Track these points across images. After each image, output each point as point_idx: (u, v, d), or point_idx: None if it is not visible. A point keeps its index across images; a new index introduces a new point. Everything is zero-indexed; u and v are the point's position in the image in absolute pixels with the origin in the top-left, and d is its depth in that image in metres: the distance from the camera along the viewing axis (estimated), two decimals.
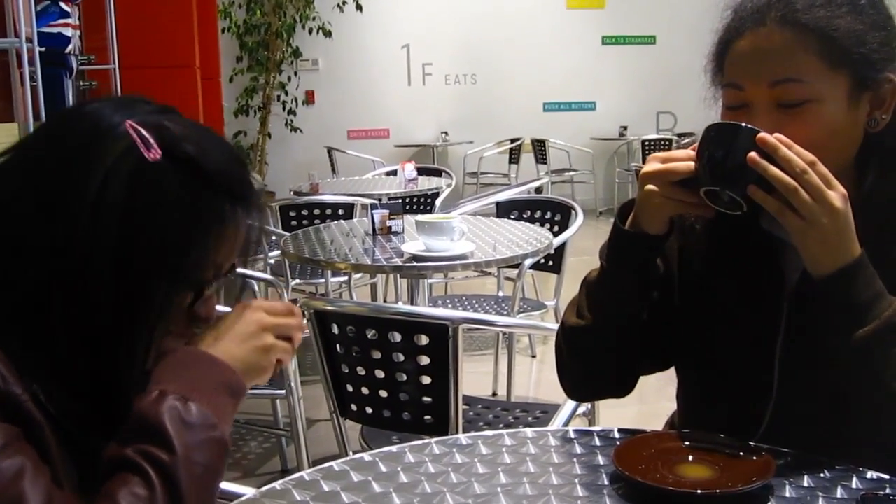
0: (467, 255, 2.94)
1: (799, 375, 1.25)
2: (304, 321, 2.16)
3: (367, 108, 10.64)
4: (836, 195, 1.09)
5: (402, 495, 1.11)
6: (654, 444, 1.18)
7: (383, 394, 2.15)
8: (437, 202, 5.28)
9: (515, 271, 3.77)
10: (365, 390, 2.17)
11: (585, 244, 4.14)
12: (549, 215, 4.21)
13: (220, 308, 1.10)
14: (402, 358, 2.10)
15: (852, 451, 1.17)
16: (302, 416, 2.93)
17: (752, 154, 1.09)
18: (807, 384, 1.25)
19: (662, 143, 9.65)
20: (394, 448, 1.25)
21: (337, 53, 10.41)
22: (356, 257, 3.06)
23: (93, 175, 0.92)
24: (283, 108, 10.28)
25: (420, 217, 3.13)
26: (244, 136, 10.08)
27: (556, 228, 4.05)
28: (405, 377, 2.11)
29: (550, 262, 3.95)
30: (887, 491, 1.08)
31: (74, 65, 4.45)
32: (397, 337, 2.08)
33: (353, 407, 2.22)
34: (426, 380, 2.09)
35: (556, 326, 1.44)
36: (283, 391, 2.86)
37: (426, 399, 2.10)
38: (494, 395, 4.10)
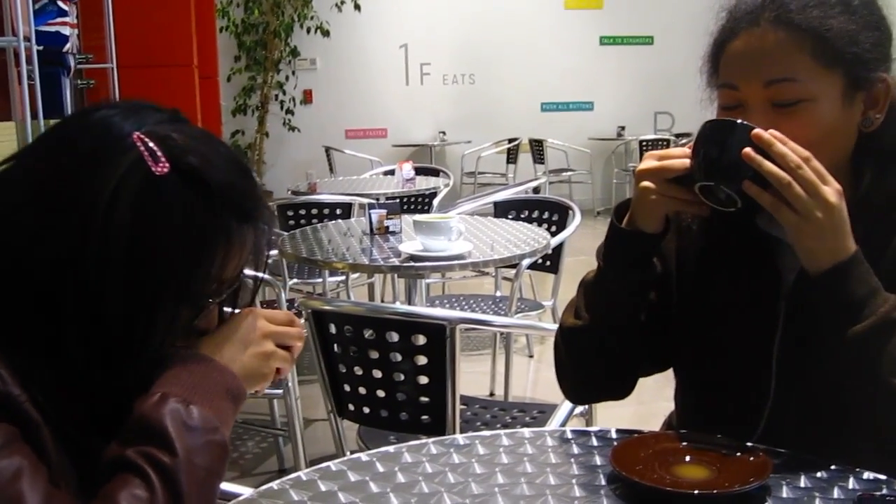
0: (465, 255, 2.94)
1: (796, 375, 1.25)
2: (302, 321, 2.17)
3: (364, 107, 10.65)
4: (831, 190, 1.10)
5: (400, 495, 1.11)
6: (651, 445, 1.18)
7: (381, 393, 2.14)
8: (435, 202, 5.28)
9: (513, 271, 3.77)
10: (362, 390, 2.17)
11: (583, 244, 4.13)
12: (546, 215, 4.21)
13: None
14: (399, 358, 2.09)
15: (849, 451, 1.17)
16: (299, 416, 2.93)
17: (748, 150, 1.10)
18: (804, 384, 1.25)
19: (660, 143, 9.67)
20: (391, 448, 1.25)
21: (335, 53, 10.42)
22: (354, 257, 3.06)
23: (102, 189, 0.92)
24: (281, 108, 10.29)
25: (418, 217, 3.13)
26: (242, 136, 10.09)
27: (553, 228, 4.05)
28: (402, 377, 2.11)
29: (548, 263, 3.96)
30: (884, 491, 1.08)
31: (72, 63, 4.44)
32: (395, 337, 2.08)
33: (351, 407, 2.22)
34: (423, 380, 2.09)
35: (553, 326, 1.44)
36: (281, 391, 2.86)
37: (423, 399, 2.10)
38: (492, 395, 4.10)
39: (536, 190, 5.77)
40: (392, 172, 6.17)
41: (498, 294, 4.42)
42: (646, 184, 1.20)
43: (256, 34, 9.95)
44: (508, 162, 10.44)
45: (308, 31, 10.04)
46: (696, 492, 1.06)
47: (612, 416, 2.12)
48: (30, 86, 3.59)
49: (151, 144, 0.94)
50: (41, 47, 3.82)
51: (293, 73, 10.34)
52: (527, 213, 4.26)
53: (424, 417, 2.12)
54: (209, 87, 6.79)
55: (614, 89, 11.09)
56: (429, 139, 10.65)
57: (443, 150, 10.77)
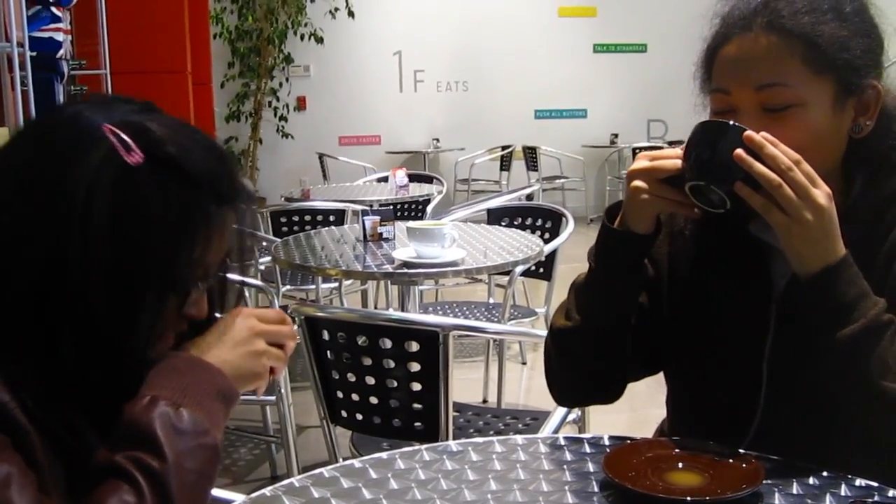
0: (458, 262, 2.93)
1: (786, 381, 1.26)
2: (295, 328, 2.16)
3: (358, 114, 10.65)
4: (821, 193, 1.10)
5: (393, 502, 1.10)
6: (644, 452, 1.18)
7: (373, 400, 2.14)
8: (429, 209, 5.28)
9: (506, 278, 3.77)
10: (355, 396, 2.17)
11: (576, 251, 4.13)
12: (539, 222, 4.21)
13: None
14: (392, 364, 2.09)
15: (840, 457, 1.17)
16: (292, 423, 2.92)
17: (739, 151, 1.11)
18: (794, 390, 1.25)
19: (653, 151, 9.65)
20: (384, 454, 1.25)
21: (329, 60, 10.43)
22: (347, 264, 3.05)
23: (77, 183, 0.92)
24: (275, 115, 10.29)
25: (411, 224, 3.13)
26: (235, 142, 10.08)
27: (546, 236, 4.05)
28: (395, 384, 2.10)
29: (541, 270, 3.96)
30: (876, 498, 1.08)
31: (66, 70, 4.44)
32: (388, 343, 2.08)
33: (344, 413, 2.21)
34: (416, 386, 2.09)
35: (546, 333, 1.44)
36: (273, 397, 2.85)
37: (416, 406, 2.10)
38: (485, 401, 4.09)
39: (530, 197, 5.78)
40: (385, 179, 6.18)
41: (491, 301, 4.42)
42: (637, 183, 1.21)
43: (250, 41, 9.96)
44: (502, 169, 10.45)
45: (302, 37, 10.05)
46: (688, 498, 1.06)
47: (605, 422, 2.12)
48: (23, 91, 3.59)
49: (123, 135, 0.94)
50: (34, 53, 3.82)
51: (287, 79, 10.35)
52: (520, 220, 4.26)
53: (417, 424, 2.12)
54: (203, 94, 6.80)
55: (608, 97, 11.11)
56: (422, 146, 10.66)
57: (436, 157, 10.78)
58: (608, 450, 1.22)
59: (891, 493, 1.09)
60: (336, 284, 4.60)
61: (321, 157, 9.56)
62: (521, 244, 3.32)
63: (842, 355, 1.11)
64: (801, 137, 1.15)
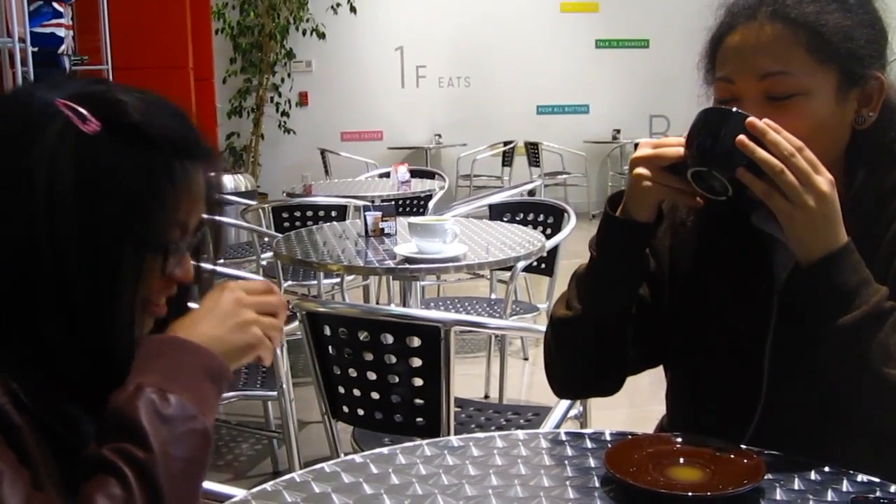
0: (460, 258, 2.93)
1: (788, 374, 1.26)
2: (296, 323, 2.16)
3: (360, 109, 10.65)
4: (823, 180, 1.10)
5: (394, 497, 1.10)
6: (645, 447, 1.18)
7: (375, 396, 2.14)
8: (430, 204, 5.28)
9: (508, 274, 3.77)
10: (357, 392, 2.17)
11: (578, 247, 4.12)
12: (541, 218, 4.21)
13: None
14: (394, 360, 2.09)
15: (841, 451, 1.17)
16: (293, 418, 2.92)
17: (741, 137, 1.11)
18: (795, 383, 1.25)
19: None
20: (385, 450, 1.25)
21: (330, 55, 10.42)
22: (349, 259, 3.05)
23: (38, 162, 0.92)
24: (277, 110, 10.28)
25: (413, 219, 3.13)
26: (237, 138, 10.08)
27: (548, 231, 4.05)
28: (397, 379, 2.11)
29: (543, 265, 3.96)
30: (878, 494, 1.08)
31: (67, 65, 4.43)
32: (389, 339, 2.08)
33: (345, 409, 2.21)
34: (418, 382, 2.09)
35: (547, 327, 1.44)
36: (275, 393, 2.85)
37: (418, 401, 2.10)
38: (486, 397, 4.10)
39: (532, 192, 5.78)
40: (387, 175, 6.17)
41: (493, 296, 4.42)
42: (640, 170, 1.21)
43: (252, 36, 9.95)
44: (504, 165, 10.44)
45: (304, 33, 10.04)
46: (689, 493, 1.06)
47: (607, 418, 2.12)
48: None
49: (77, 107, 0.94)
50: (36, 49, 3.82)
51: (289, 75, 10.34)
52: (522, 215, 4.26)
53: (419, 419, 2.12)
54: (205, 89, 6.80)
55: (610, 92, 11.09)
56: (424, 142, 10.65)
57: (438, 153, 10.77)
58: (609, 445, 1.22)
59: (893, 488, 1.09)
60: (338, 280, 4.60)
61: (323, 152, 9.56)
62: (523, 240, 3.32)
63: (843, 342, 1.11)
64: (803, 126, 1.15)
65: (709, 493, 1.06)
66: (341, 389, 2.20)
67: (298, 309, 2.16)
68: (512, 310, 3.79)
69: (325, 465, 1.20)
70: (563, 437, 1.29)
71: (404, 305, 3.32)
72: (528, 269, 3.91)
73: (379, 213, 3.41)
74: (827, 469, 1.14)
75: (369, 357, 2.11)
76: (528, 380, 4.52)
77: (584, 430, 1.33)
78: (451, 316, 2.45)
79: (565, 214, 4.02)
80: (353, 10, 10.01)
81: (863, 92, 1.22)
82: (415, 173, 5.96)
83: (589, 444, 1.26)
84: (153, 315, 1.04)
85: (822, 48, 1.18)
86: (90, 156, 0.93)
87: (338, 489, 1.13)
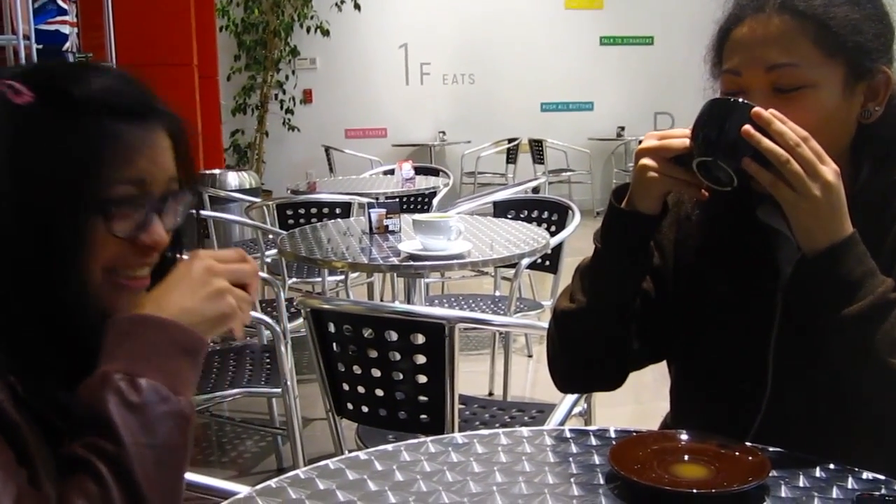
0: (464, 255, 2.93)
1: (793, 369, 1.26)
2: (301, 320, 2.15)
3: (364, 107, 10.65)
4: (829, 170, 1.10)
5: (398, 494, 1.10)
6: (649, 444, 1.18)
7: (379, 393, 2.14)
8: (435, 202, 5.27)
9: (512, 271, 3.77)
10: (361, 389, 2.17)
11: (582, 244, 4.12)
12: (546, 215, 4.21)
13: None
14: (398, 357, 2.09)
15: (846, 448, 1.17)
16: (298, 415, 2.93)
17: (747, 126, 1.11)
18: (801, 378, 1.25)
19: None
20: (389, 447, 1.25)
21: (335, 52, 10.41)
22: (353, 256, 3.05)
23: None
24: (281, 107, 10.29)
25: (417, 216, 3.13)
26: (242, 135, 10.09)
27: (553, 228, 4.05)
28: (401, 376, 2.10)
29: (547, 262, 3.96)
30: (883, 491, 1.08)
31: (72, 62, 4.44)
32: (394, 336, 2.08)
33: (349, 406, 2.22)
34: (422, 379, 2.09)
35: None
36: (279, 390, 2.86)
37: (422, 398, 2.10)
38: (491, 394, 4.10)
39: (536, 190, 5.77)
40: (392, 172, 6.18)
41: (497, 294, 4.42)
42: (645, 161, 1.21)
43: (256, 33, 9.94)
44: (508, 162, 10.44)
45: (308, 30, 10.04)
46: (694, 491, 1.06)
47: (611, 415, 2.12)
48: None
49: (12, 82, 0.95)
50: (41, 46, 3.82)
51: (293, 72, 10.34)
52: (526, 212, 4.26)
53: (423, 416, 2.12)
54: (209, 87, 6.81)
55: (614, 90, 11.08)
56: (428, 139, 10.65)
57: (442, 150, 10.76)
58: (614, 442, 1.22)
59: None
60: (342, 277, 4.60)
61: (327, 149, 9.57)
62: (527, 237, 3.32)
63: (849, 333, 1.11)
64: (810, 119, 1.15)
65: (713, 491, 1.06)
66: (345, 386, 2.20)
67: (303, 306, 2.16)
68: (516, 307, 3.79)
69: (329, 462, 1.20)
70: (568, 435, 1.29)
71: (408, 302, 3.32)
72: (532, 266, 3.91)
73: (383, 210, 3.41)
74: (832, 466, 1.14)
75: (373, 354, 2.11)
76: (532, 377, 4.52)
77: (588, 427, 1.33)
78: (456, 313, 2.45)
79: (569, 212, 4.03)
80: (357, 7, 10.00)
81: (869, 86, 1.22)
82: (419, 170, 5.97)
83: (593, 442, 1.26)
84: (130, 288, 1.02)
85: (829, 41, 1.18)
86: (21, 124, 0.94)
87: (342, 486, 1.13)
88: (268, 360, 3.08)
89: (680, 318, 1.37)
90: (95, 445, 0.86)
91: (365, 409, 2.19)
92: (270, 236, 4.56)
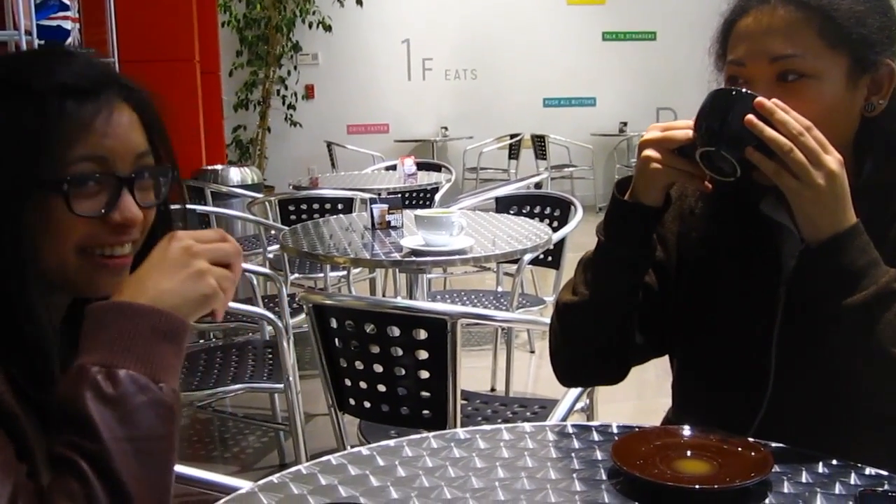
0: (466, 250, 2.93)
1: (796, 363, 1.26)
2: (303, 315, 2.15)
3: (366, 102, 10.64)
4: (832, 159, 1.11)
5: (400, 489, 1.10)
6: (652, 440, 1.18)
7: (381, 388, 2.14)
8: (437, 197, 5.27)
9: (514, 266, 3.77)
10: (363, 385, 2.17)
11: (584, 240, 4.11)
12: (548, 211, 4.21)
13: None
14: (400, 352, 2.09)
15: (850, 442, 1.17)
16: (300, 411, 2.93)
17: (750, 116, 1.11)
18: (804, 372, 1.25)
19: None
20: (392, 442, 1.25)
21: (337, 48, 10.41)
22: (355, 252, 3.05)
23: None
24: (283, 103, 10.28)
25: (419, 212, 3.13)
26: (244, 131, 10.09)
27: (555, 224, 4.04)
28: (403, 372, 2.11)
29: (550, 258, 3.95)
30: (886, 487, 1.08)
31: None
32: (396, 331, 2.08)
33: (352, 401, 2.22)
34: (424, 374, 2.09)
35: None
36: (282, 385, 2.86)
37: (424, 394, 2.10)
38: (493, 390, 4.10)
39: (538, 185, 5.78)
40: (394, 167, 6.17)
41: (499, 289, 4.42)
42: (648, 152, 1.21)
43: (258, 29, 9.94)
44: (510, 157, 10.43)
45: (310, 25, 10.03)
46: (696, 486, 1.06)
47: (613, 411, 2.12)
48: None
49: None
50: (42, 41, 3.81)
51: (295, 68, 10.33)
52: (528, 208, 4.25)
53: (425, 412, 2.12)
54: (211, 82, 6.80)
55: (617, 85, 11.07)
56: (431, 134, 10.64)
57: (445, 146, 10.76)
58: (616, 438, 1.22)
59: None
60: (344, 272, 4.61)
61: (329, 145, 9.56)
62: (530, 232, 3.32)
63: (852, 322, 1.11)
64: (813, 110, 1.15)
65: (716, 486, 1.06)
66: (348, 382, 2.20)
67: (305, 301, 2.16)
68: (518, 302, 3.79)
69: (331, 458, 1.20)
70: (570, 430, 1.29)
71: (411, 298, 3.32)
72: (534, 261, 3.90)
73: (385, 206, 3.41)
74: (834, 462, 1.14)
75: (376, 349, 2.11)
76: (534, 372, 4.52)
77: (590, 423, 1.33)
78: (458, 308, 2.44)
79: (572, 207, 4.02)
80: (359, 2, 9.98)
81: (873, 79, 1.22)
82: (421, 166, 5.97)
83: (596, 437, 1.26)
84: (111, 267, 1.01)
85: (833, 32, 1.18)
86: None
87: (344, 481, 1.13)
88: (270, 356, 3.08)
89: (682, 312, 1.37)
90: (75, 444, 0.85)
91: (367, 404, 2.19)
92: (272, 232, 4.56)
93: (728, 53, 1.26)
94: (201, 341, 4.25)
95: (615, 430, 1.27)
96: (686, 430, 1.20)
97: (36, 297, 0.96)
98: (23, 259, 0.95)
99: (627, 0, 10.99)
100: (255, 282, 3.71)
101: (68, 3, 4.31)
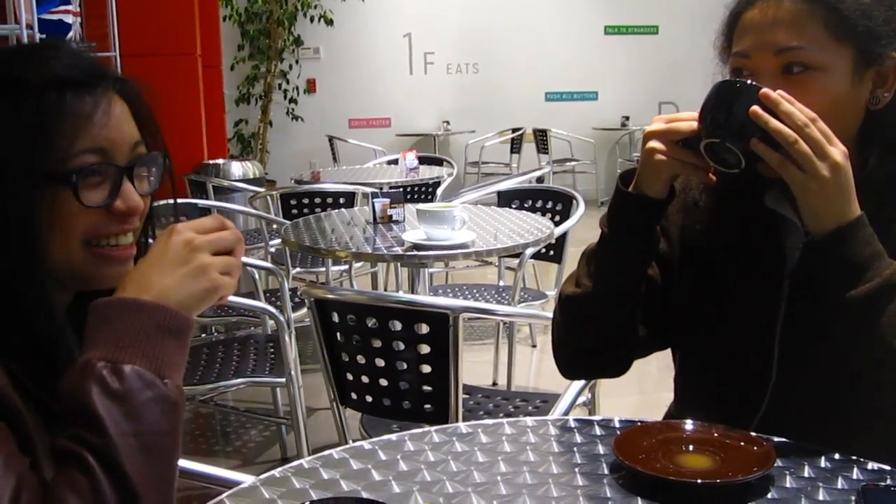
0: (468, 244, 2.93)
1: (799, 357, 1.25)
2: (305, 310, 2.15)
3: (368, 96, 10.63)
4: (837, 151, 1.10)
5: (402, 483, 1.10)
6: (654, 434, 1.18)
7: (383, 382, 2.14)
8: (439, 191, 5.27)
9: (516, 261, 3.77)
10: (365, 379, 2.17)
11: (587, 234, 4.10)
12: (550, 205, 4.20)
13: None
14: (402, 347, 2.09)
15: (852, 438, 1.17)
16: (302, 405, 2.93)
17: (755, 107, 1.11)
18: (806, 366, 1.25)
19: None
20: (393, 436, 1.25)
21: (338, 42, 10.39)
22: (357, 246, 3.05)
23: None
24: (285, 97, 10.27)
25: (421, 206, 3.12)
26: (245, 125, 10.07)
27: (557, 218, 4.04)
28: (405, 366, 2.10)
29: (551, 252, 3.95)
30: (888, 482, 1.08)
31: None
32: (398, 325, 2.08)
33: (353, 395, 2.22)
34: (426, 368, 2.09)
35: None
36: (284, 379, 2.86)
37: (426, 388, 2.10)
38: (495, 384, 4.10)
39: (540, 179, 5.76)
40: (395, 162, 6.17)
41: (501, 283, 4.42)
42: (653, 144, 1.21)
43: (260, 23, 9.93)
44: (512, 151, 10.42)
45: (311, 19, 10.01)
46: (699, 481, 1.06)
47: (615, 405, 2.12)
48: None
49: None
50: (44, 35, 3.81)
51: (297, 62, 10.31)
52: (530, 202, 4.25)
53: (427, 406, 2.12)
54: (212, 76, 6.79)
55: (619, 79, 11.05)
56: (432, 128, 10.63)
57: (446, 140, 10.75)
58: (618, 432, 1.22)
59: None
60: (346, 267, 4.61)
61: (331, 139, 9.56)
62: (532, 227, 3.32)
63: (856, 314, 1.11)
64: (818, 103, 1.14)
65: (718, 481, 1.06)
66: (350, 376, 2.20)
67: (307, 295, 2.15)
68: (520, 297, 3.79)
69: (333, 452, 1.20)
70: (572, 424, 1.29)
71: (412, 292, 3.32)
72: (536, 256, 3.90)
73: (387, 200, 3.41)
74: (837, 456, 1.14)
75: (377, 344, 2.11)
76: (536, 367, 4.53)
77: (592, 418, 1.33)
78: (460, 303, 2.44)
79: (574, 201, 4.02)
80: None
81: (878, 72, 1.22)
82: (423, 160, 5.96)
83: (598, 431, 1.26)
84: (116, 258, 1.02)
85: (839, 25, 1.18)
86: None
87: (346, 475, 1.13)
88: (272, 350, 3.08)
89: (685, 305, 1.37)
90: (81, 438, 0.85)
91: (369, 398, 2.19)
92: (274, 226, 4.57)
93: (733, 45, 1.26)
94: (203, 335, 4.25)
95: (617, 425, 1.27)
96: (688, 425, 1.20)
97: (49, 293, 0.96)
98: (35, 255, 0.95)
99: None
100: (256, 276, 3.71)
101: None
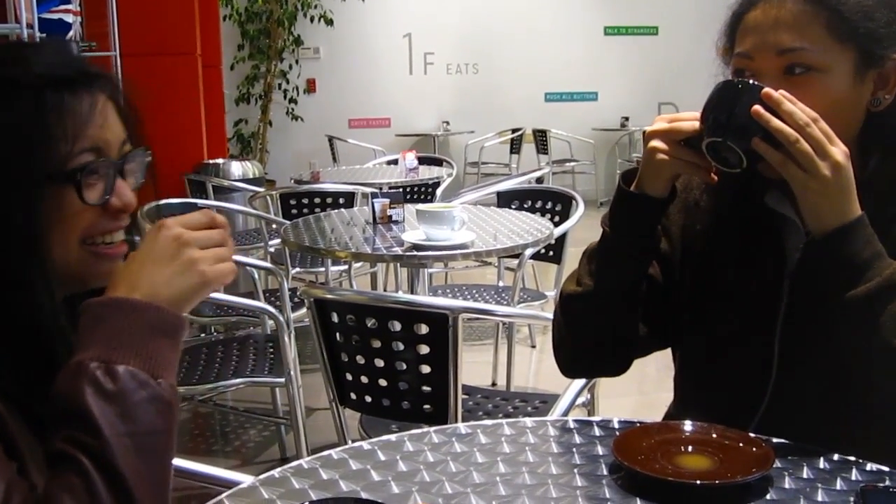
0: (468, 245, 2.93)
1: (798, 357, 1.25)
2: (304, 310, 2.16)
3: (368, 96, 10.63)
4: (838, 150, 1.11)
5: (401, 484, 1.10)
6: (653, 435, 1.18)
7: (383, 383, 2.14)
8: (438, 192, 5.27)
9: (516, 261, 3.77)
10: (364, 379, 2.17)
11: (586, 234, 4.10)
12: (549, 205, 4.20)
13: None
14: (401, 347, 2.09)
15: (851, 437, 1.17)
16: (301, 405, 2.93)
17: (756, 106, 1.12)
18: (806, 366, 1.25)
19: None
20: (392, 436, 1.25)
21: (338, 42, 10.39)
22: (356, 246, 3.05)
23: None
24: (285, 97, 10.27)
25: (421, 206, 3.12)
26: (245, 125, 10.07)
27: (556, 219, 4.04)
28: (404, 366, 2.11)
29: (551, 253, 3.95)
30: (887, 483, 1.08)
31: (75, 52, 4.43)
32: (397, 326, 2.08)
33: (353, 395, 2.22)
34: (426, 369, 2.09)
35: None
36: (283, 379, 2.86)
37: (425, 388, 2.10)
38: (494, 385, 4.10)
39: (540, 180, 5.76)
40: (395, 162, 6.17)
41: (500, 284, 4.42)
42: (655, 143, 1.21)
43: (260, 23, 9.92)
44: (512, 152, 10.42)
45: (312, 19, 10.01)
46: (698, 482, 1.06)
47: (614, 406, 2.12)
48: None
49: None
50: (44, 35, 3.81)
51: (297, 61, 10.31)
52: (530, 203, 4.25)
53: (426, 407, 2.12)
54: (212, 76, 6.79)
55: (619, 80, 11.06)
56: (432, 129, 10.63)
57: (446, 140, 10.75)
58: (617, 433, 1.22)
59: None
60: (345, 267, 4.61)
61: (331, 139, 9.56)
62: (531, 227, 3.32)
63: (856, 314, 1.11)
64: (819, 104, 1.15)
65: (717, 482, 1.06)
66: (349, 376, 2.20)
67: (306, 295, 2.15)
68: (519, 297, 3.79)
69: (332, 452, 1.20)
70: (571, 425, 1.29)
71: (412, 293, 3.32)
72: (535, 256, 3.90)
73: (387, 200, 3.40)
74: (836, 457, 1.14)
75: (377, 344, 2.11)
76: (535, 367, 4.53)
77: (592, 418, 1.33)
78: (459, 303, 2.44)
79: (573, 202, 4.02)
80: None
81: (880, 74, 1.22)
82: (423, 160, 5.96)
83: (597, 432, 1.26)
84: (110, 256, 1.02)
85: (841, 26, 1.19)
86: None
87: (345, 476, 1.13)
88: (271, 350, 3.08)
89: (686, 304, 1.37)
90: (76, 439, 0.85)
91: (368, 398, 2.19)
92: (274, 226, 4.56)
93: (735, 46, 1.26)
94: (202, 335, 4.25)
95: (616, 425, 1.27)
96: (687, 425, 1.20)
97: (53, 293, 0.96)
98: (39, 256, 0.95)
99: None
100: (256, 276, 3.71)
101: None
